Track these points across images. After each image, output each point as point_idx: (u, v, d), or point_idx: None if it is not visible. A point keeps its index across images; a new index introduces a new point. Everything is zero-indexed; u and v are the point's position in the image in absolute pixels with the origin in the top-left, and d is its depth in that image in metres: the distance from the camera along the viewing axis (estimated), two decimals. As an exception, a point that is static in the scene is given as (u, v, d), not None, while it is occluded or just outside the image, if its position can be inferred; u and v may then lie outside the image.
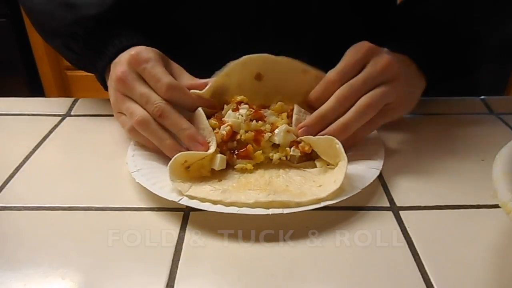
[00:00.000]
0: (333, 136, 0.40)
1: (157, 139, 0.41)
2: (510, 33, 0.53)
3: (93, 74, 0.50)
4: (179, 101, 0.43)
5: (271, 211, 0.35)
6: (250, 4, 0.53)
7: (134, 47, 0.44)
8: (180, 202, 0.36)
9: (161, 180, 0.39)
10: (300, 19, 0.55)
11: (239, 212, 0.35)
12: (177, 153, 0.39)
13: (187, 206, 0.37)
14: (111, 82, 0.44)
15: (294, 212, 0.35)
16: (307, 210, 0.36)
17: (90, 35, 0.47)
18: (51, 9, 0.49)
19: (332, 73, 0.44)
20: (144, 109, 0.41)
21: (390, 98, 0.43)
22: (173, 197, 0.37)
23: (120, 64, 0.43)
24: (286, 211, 0.35)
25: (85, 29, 0.47)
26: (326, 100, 0.43)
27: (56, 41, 0.52)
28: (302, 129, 0.42)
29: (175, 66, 0.46)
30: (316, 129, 0.42)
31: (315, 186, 0.38)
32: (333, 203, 0.36)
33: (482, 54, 0.54)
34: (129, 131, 0.43)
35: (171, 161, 0.39)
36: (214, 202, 0.36)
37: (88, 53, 0.48)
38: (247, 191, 0.38)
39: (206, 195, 0.37)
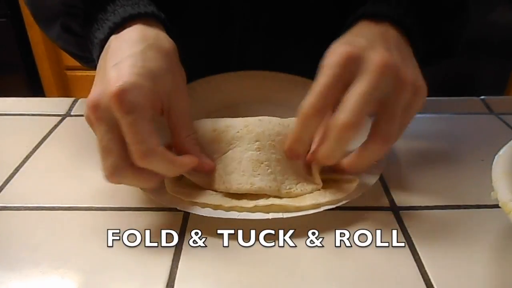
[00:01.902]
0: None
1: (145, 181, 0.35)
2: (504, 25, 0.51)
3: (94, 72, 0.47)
4: (156, 170, 0.34)
5: (270, 215, 0.35)
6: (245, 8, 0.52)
7: (125, 79, 0.32)
8: (180, 208, 0.36)
9: (161, 186, 0.38)
10: (298, 22, 0.54)
11: (239, 217, 0.35)
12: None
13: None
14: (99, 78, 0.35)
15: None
16: (307, 214, 0.36)
17: (91, 7, 0.40)
18: None
19: (306, 106, 0.34)
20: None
21: (404, 102, 0.34)
22: (173, 203, 0.37)
23: (100, 90, 0.33)
24: (285, 215, 0.35)
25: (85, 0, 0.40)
26: (310, 136, 0.36)
27: (54, 25, 0.45)
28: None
29: (181, 107, 0.37)
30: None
31: (316, 189, 0.38)
32: (333, 207, 0.36)
33: (464, 32, 0.49)
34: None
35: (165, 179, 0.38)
36: (215, 207, 0.36)
37: (88, 30, 0.40)
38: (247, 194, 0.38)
39: (207, 200, 0.36)
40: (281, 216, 0.35)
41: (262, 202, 0.36)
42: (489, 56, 1.57)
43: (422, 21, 0.41)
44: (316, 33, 0.55)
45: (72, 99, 0.58)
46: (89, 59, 0.44)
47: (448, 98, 0.59)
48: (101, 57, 0.37)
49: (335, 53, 0.34)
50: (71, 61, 1.72)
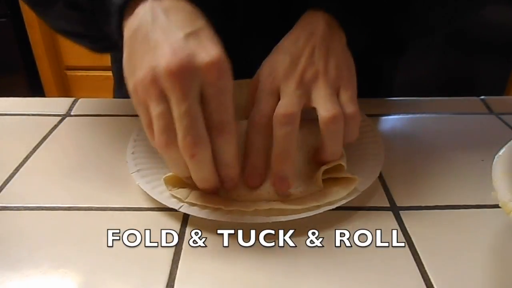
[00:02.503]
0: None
1: (175, 164, 0.34)
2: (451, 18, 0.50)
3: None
4: (223, 149, 0.34)
5: (271, 219, 0.35)
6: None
7: (217, 50, 0.32)
8: (179, 209, 0.36)
9: (161, 183, 0.38)
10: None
11: (238, 221, 0.35)
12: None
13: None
14: (150, 56, 0.32)
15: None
16: (308, 216, 0.36)
17: None
18: None
19: (252, 131, 0.37)
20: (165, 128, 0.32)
21: (331, 89, 0.37)
22: (173, 203, 0.37)
23: (184, 56, 0.31)
24: (286, 218, 0.35)
25: None
26: (264, 161, 0.37)
27: (54, 4, 0.42)
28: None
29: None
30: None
31: (316, 189, 0.38)
32: (333, 208, 0.36)
33: (413, 28, 0.49)
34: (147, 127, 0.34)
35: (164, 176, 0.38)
36: (215, 209, 0.36)
37: (96, 1, 0.37)
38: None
39: (207, 202, 0.36)
40: (282, 220, 0.35)
41: (262, 205, 0.36)
42: (489, 56, 1.57)
43: (359, 13, 0.42)
44: None
45: (72, 99, 0.57)
46: (95, 37, 0.42)
47: (448, 98, 0.59)
48: (141, 18, 0.34)
49: (262, 83, 0.38)
50: (71, 61, 1.73)
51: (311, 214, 0.36)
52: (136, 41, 0.34)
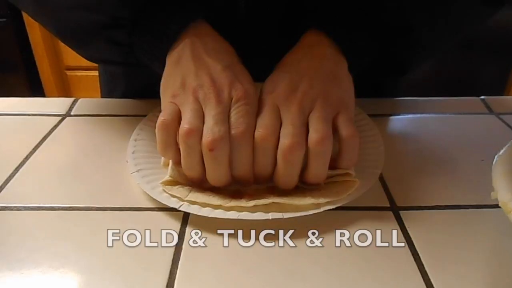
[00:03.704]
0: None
1: (191, 159, 0.36)
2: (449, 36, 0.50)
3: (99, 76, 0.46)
4: (239, 154, 0.36)
5: (270, 215, 0.35)
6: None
7: (247, 86, 0.38)
8: (180, 208, 0.36)
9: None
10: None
11: (239, 218, 0.35)
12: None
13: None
14: (184, 76, 0.38)
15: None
16: (307, 215, 0.36)
17: (139, 15, 0.41)
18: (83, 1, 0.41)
19: (259, 135, 0.37)
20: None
21: (329, 113, 0.37)
22: (173, 203, 0.37)
23: (217, 85, 0.37)
24: (286, 215, 0.35)
25: (133, 9, 0.41)
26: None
27: (95, 41, 0.45)
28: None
29: None
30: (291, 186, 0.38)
31: (316, 189, 0.38)
32: (333, 208, 0.36)
33: (416, 52, 0.50)
34: (163, 125, 0.36)
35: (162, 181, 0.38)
36: (215, 207, 0.36)
37: (139, 40, 0.41)
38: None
39: (207, 200, 0.37)
40: (281, 217, 0.35)
41: (262, 201, 0.36)
42: (489, 56, 1.58)
43: (362, 39, 0.43)
44: None
45: (72, 99, 0.57)
46: (131, 62, 0.45)
47: (448, 98, 0.59)
48: (181, 49, 0.40)
49: (264, 100, 0.38)
50: (71, 61, 1.73)
51: (310, 213, 0.36)
52: (176, 66, 0.39)
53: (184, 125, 0.35)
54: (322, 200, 0.36)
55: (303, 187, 0.38)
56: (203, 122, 0.36)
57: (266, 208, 0.36)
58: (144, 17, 0.41)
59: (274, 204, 0.36)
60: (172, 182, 0.38)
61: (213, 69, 0.38)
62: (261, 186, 0.39)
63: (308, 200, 0.36)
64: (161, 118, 0.37)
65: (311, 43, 0.42)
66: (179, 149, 0.37)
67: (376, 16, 0.44)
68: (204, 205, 0.36)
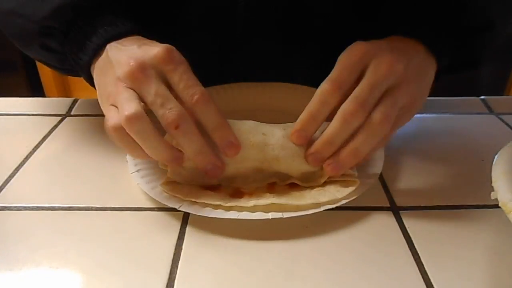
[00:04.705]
0: (345, 164, 0.37)
1: (149, 143, 0.35)
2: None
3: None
4: (204, 119, 0.36)
5: (270, 215, 0.35)
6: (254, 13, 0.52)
7: (165, 45, 0.37)
8: (180, 208, 0.36)
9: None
10: (303, 29, 0.54)
11: (238, 218, 0.35)
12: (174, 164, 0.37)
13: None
14: (109, 76, 0.37)
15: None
16: (307, 214, 0.36)
17: (69, 27, 0.42)
18: (21, 4, 0.44)
19: (326, 84, 0.37)
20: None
21: (402, 103, 0.38)
22: (173, 203, 0.37)
23: (138, 57, 0.36)
24: (285, 215, 0.35)
25: (62, 21, 0.42)
26: (323, 117, 0.37)
27: (33, 45, 0.46)
28: (311, 157, 0.37)
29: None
30: (325, 156, 0.37)
31: (316, 188, 0.38)
32: (333, 207, 0.36)
33: (492, 46, 0.50)
34: (113, 129, 0.35)
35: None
36: (215, 207, 0.36)
37: (69, 49, 0.42)
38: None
39: (207, 200, 0.36)
40: (281, 216, 0.35)
41: (262, 201, 0.36)
42: (489, 56, 1.57)
43: (449, 40, 0.43)
44: (320, 41, 0.55)
45: (72, 99, 0.58)
46: (70, 70, 0.46)
47: (448, 98, 0.59)
48: (102, 58, 0.39)
49: (356, 47, 0.38)
50: (71, 61, 1.73)
51: (310, 213, 0.36)
52: (101, 73, 0.39)
53: (124, 113, 0.34)
54: (322, 200, 0.36)
55: (303, 186, 0.38)
56: (144, 102, 0.35)
57: (266, 208, 0.36)
58: (73, 29, 0.42)
59: (273, 204, 0.36)
60: (172, 183, 0.38)
61: (128, 53, 0.37)
62: (261, 184, 0.39)
63: (308, 200, 0.36)
64: (106, 124, 0.36)
65: (401, 39, 0.42)
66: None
67: (457, 17, 0.45)
68: (204, 205, 0.36)
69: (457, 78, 0.52)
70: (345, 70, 0.37)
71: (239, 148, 0.37)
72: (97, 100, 0.40)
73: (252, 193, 0.38)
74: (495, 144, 0.36)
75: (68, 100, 0.57)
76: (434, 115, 0.55)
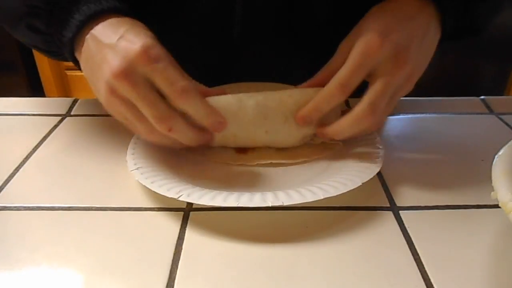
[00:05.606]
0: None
1: (144, 101, 0.36)
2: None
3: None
4: (191, 112, 0.38)
5: (270, 202, 0.35)
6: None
7: (142, 40, 0.36)
8: (179, 198, 0.36)
9: (160, 179, 0.39)
10: (300, 31, 0.54)
11: (238, 205, 0.35)
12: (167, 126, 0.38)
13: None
14: (96, 75, 0.38)
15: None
16: (307, 205, 0.35)
17: (54, 6, 0.41)
18: None
19: (335, 81, 0.40)
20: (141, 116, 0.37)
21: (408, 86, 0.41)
22: (172, 193, 0.37)
23: (120, 58, 0.36)
24: (286, 203, 0.35)
25: (47, 0, 0.42)
26: (320, 117, 0.42)
27: (19, 25, 0.46)
28: (300, 119, 0.42)
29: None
30: (313, 119, 0.42)
31: (307, 148, 0.45)
32: (334, 195, 0.36)
33: (495, 14, 0.50)
34: (106, 103, 0.38)
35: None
36: (213, 196, 0.36)
37: (54, 29, 0.42)
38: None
39: (217, 158, 0.43)
40: (282, 204, 0.35)
41: (263, 161, 0.44)
42: (489, 56, 1.57)
43: (456, 1, 0.44)
44: (318, 43, 0.55)
45: (72, 99, 0.58)
46: (57, 53, 0.46)
47: (448, 98, 0.59)
48: (86, 50, 0.39)
49: (371, 45, 0.39)
50: (71, 61, 1.73)
51: (310, 200, 0.35)
52: (88, 67, 0.40)
53: (113, 70, 0.35)
54: (311, 157, 0.44)
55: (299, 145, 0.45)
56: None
57: (266, 157, 0.44)
58: (58, 8, 0.42)
59: (272, 154, 0.44)
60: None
61: (109, 55, 0.37)
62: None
63: (300, 158, 0.44)
64: (101, 100, 0.38)
65: (408, 2, 0.42)
66: (142, 117, 0.37)
67: None
68: (202, 193, 0.36)
69: (457, 78, 0.52)
70: (354, 71, 0.39)
71: (226, 124, 0.40)
72: (97, 100, 0.40)
73: (254, 149, 0.45)
74: (495, 144, 0.36)
75: (68, 100, 0.57)
76: (434, 115, 0.55)
